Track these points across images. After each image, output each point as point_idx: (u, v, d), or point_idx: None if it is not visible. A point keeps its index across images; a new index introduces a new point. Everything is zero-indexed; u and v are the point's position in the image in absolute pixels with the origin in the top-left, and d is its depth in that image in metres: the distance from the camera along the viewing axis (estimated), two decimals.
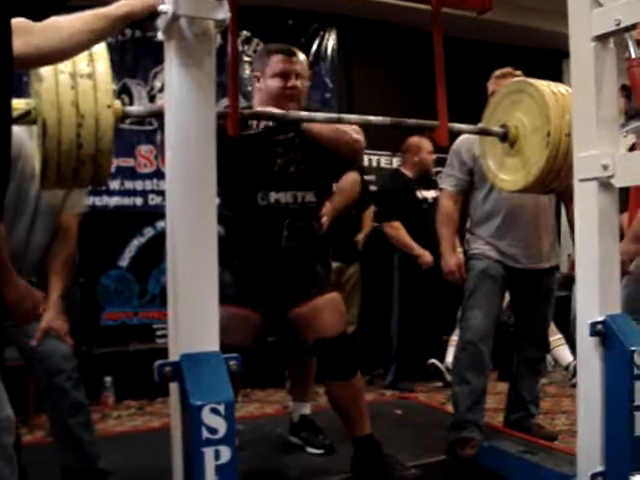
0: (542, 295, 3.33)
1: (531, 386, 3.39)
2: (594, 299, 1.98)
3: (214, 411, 1.49)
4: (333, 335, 2.68)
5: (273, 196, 2.68)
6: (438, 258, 4.31)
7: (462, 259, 3.40)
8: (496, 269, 3.19)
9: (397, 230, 4.83)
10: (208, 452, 1.48)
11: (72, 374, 2.59)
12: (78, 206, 2.75)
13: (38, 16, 1.40)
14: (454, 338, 4.83)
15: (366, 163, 5.56)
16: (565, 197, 3.20)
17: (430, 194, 4.96)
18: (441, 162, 4.73)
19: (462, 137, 3.20)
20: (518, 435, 3.17)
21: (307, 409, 3.30)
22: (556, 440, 3.39)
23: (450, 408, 3.54)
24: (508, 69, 3.25)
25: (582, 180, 2.00)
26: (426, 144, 4.90)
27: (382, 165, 5.73)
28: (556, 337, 4.73)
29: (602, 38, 1.94)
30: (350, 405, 2.75)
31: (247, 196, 2.70)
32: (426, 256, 4.72)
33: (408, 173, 5.04)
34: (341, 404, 2.76)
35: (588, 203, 1.99)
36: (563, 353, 4.92)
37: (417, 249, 4.78)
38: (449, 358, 4.87)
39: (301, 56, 2.79)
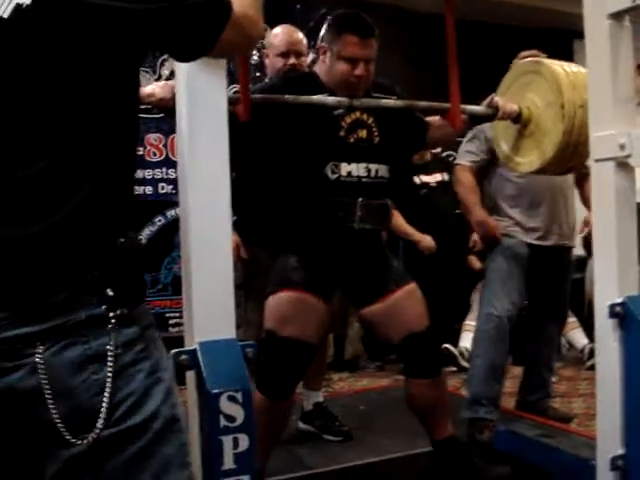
0: (565, 272, 3.31)
1: (550, 366, 3.38)
2: (612, 281, 1.95)
3: (232, 399, 1.48)
4: (422, 329, 2.44)
5: (345, 168, 2.37)
6: (441, 244, 4.33)
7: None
8: (521, 249, 3.14)
9: (394, 218, 4.77)
10: (226, 440, 1.47)
11: None
12: None
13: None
14: (467, 322, 4.82)
15: None
16: (579, 177, 3.16)
17: (431, 179, 4.93)
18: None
19: None
20: (534, 418, 3.14)
21: (320, 397, 3.26)
22: (572, 422, 3.37)
23: (465, 392, 3.52)
24: (533, 52, 3.09)
25: (598, 160, 1.97)
26: None
27: None
28: (570, 320, 4.70)
29: (617, 15, 1.90)
30: (435, 405, 2.51)
31: (315, 170, 2.37)
32: (426, 240, 4.65)
33: None
34: (426, 404, 2.50)
35: (605, 183, 1.96)
36: (578, 336, 4.90)
37: (416, 235, 4.70)
38: (463, 342, 4.85)
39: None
